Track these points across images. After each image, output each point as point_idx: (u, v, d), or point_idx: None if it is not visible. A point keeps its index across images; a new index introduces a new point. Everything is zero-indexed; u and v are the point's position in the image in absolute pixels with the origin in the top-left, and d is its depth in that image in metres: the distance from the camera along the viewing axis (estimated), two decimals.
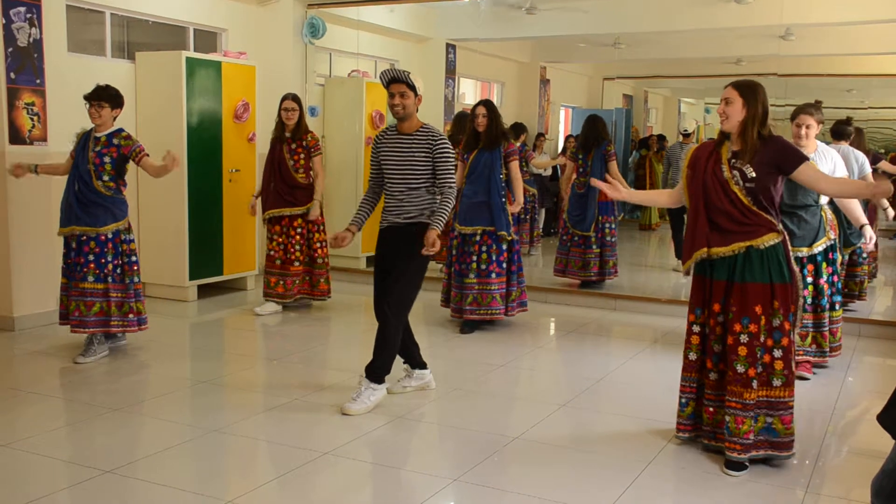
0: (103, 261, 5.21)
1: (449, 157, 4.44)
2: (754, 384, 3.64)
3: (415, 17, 9.56)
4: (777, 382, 3.66)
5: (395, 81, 4.38)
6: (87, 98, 5.16)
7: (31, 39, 5.83)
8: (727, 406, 3.68)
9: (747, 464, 3.68)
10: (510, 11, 9.26)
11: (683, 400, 3.92)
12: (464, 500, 3.39)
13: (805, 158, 3.65)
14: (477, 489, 3.45)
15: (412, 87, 4.39)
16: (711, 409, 3.81)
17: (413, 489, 3.45)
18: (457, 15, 9.81)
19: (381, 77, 4.49)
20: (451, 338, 6.00)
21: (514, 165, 6.12)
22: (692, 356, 3.86)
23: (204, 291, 7.28)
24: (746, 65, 9.70)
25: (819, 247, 4.96)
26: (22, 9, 5.75)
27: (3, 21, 5.65)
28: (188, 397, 4.66)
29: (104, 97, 5.15)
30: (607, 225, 7.64)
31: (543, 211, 10.79)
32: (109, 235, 5.22)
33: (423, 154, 4.43)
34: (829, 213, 5.06)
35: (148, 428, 4.13)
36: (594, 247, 7.60)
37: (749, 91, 3.65)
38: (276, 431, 4.13)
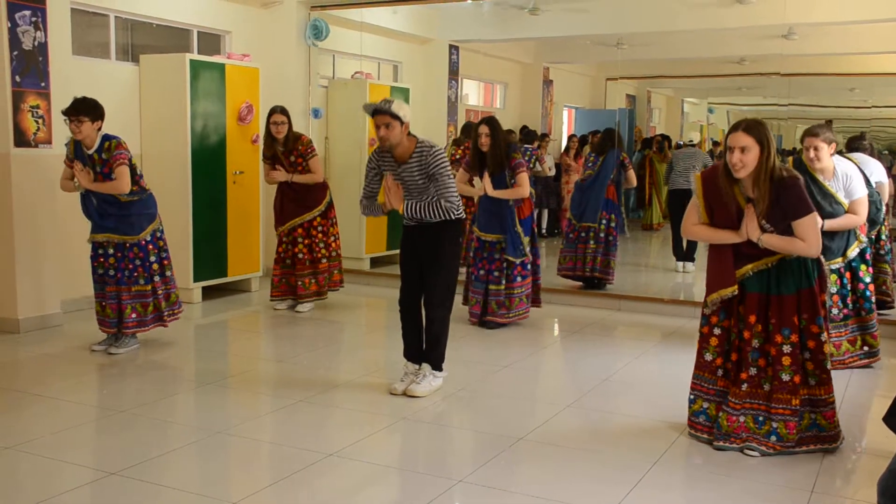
0: (147, 263, 5.31)
1: (445, 173, 4.48)
2: (800, 390, 3.73)
3: (417, 19, 9.57)
4: (812, 381, 3.77)
5: (379, 113, 4.38)
6: (65, 113, 5.04)
7: (36, 43, 5.84)
8: (773, 413, 3.75)
9: None
10: (513, 12, 9.26)
11: (692, 396, 3.95)
12: (469, 500, 3.39)
13: (811, 210, 3.64)
14: (483, 490, 3.45)
15: (396, 117, 4.36)
16: (734, 417, 3.81)
17: (418, 490, 3.45)
18: (459, 16, 9.81)
19: (364, 109, 4.55)
20: (457, 338, 5.99)
21: (522, 177, 6.01)
22: (708, 356, 3.88)
23: (208, 293, 7.29)
24: (749, 64, 9.70)
25: (852, 252, 5.02)
26: (27, 12, 5.77)
27: (9, 25, 5.67)
28: (193, 399, 4.67)
29: (82, 110, 5.02)
30: (605, 221, 7.61)
31: (546, 212, 10.79)
32: (149, 238, 5.30)
33: (423, 177, 4.51)
34: None
35: (153, 430, 4.13)
36: (591, 242, 7.58)
37: (762, 135, 3.59)
38: (281, 433, 4.14)
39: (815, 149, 4.87)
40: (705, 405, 3.92)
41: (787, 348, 3.71)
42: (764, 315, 3.76)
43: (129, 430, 4.08)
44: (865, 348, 5.28)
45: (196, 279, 7.11)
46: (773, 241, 3.66)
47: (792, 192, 3.62)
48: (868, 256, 5.15)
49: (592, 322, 6.80)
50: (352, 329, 6.71)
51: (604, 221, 7.61)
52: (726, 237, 3.74)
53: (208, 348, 6.03)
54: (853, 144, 6.28)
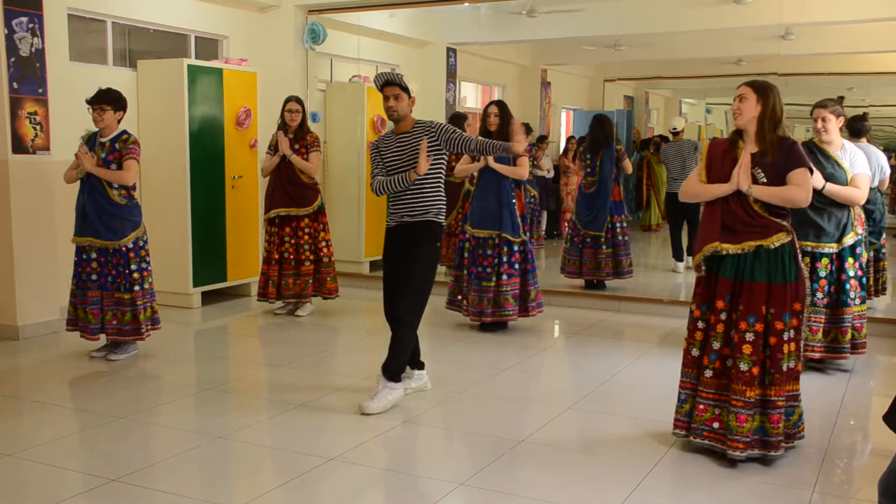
0: (127, 271, 5.27)
1: (456, 130, 4.54)
2: (757, 383, 3.65)
3: (415, 22, 9.58)
4: (766, 380, 3.69)
5: (389, 84, 4.50)
6: (89, 102, 5.18)
7: (33, 49, 5.85)
8: (732, 405, 3.68)
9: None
10: (510, 15, 9.27)
11: (682, 396, 3.90)
12: None
13: (807, 165, 3.67)
14: (484, 493, 3.45)
15: (405, 89, 4.49)
16: (702, 406, 3.78)
17: (419, 494, 3.45)
18: (457, 19, 9.82)
19: (375, 80, 4.59)
20: (456, 341, 5.99)
21: (523, 160, 6.09)
22: (694, 352, 3.86)
23: (208, 298, 7.29)
24: (747, 65, 9.71)
25: (847, 241, 4.99)
26: (24, 19, 5.77)
27: (6, 31, 5.67)
28: (193, 404, 4.67)
29: (105, 100, 5.16)
30: (618, 224, 7.65)
31: (545, 213, 10.79)
32: (131, 245, 5.27)
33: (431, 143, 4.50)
34: (857, 208, 5.06)
35: (153, 435, 4.13)
36: (604, 247, 7.59)
37: (762, 89, 3.70)
38: (282, 437, 4.14)
39: (823, 119, 4.92)
40: (692, 402, 3.86)
41: (749, 336, 3.64)
42: (735, 302, 3.72)
43: (129, 436, 4.07)
44: (833, 343, 5.12)
45: (196, 284, 7.11)
46: (763, 190, 3.64)
47: (793, 147, 3.71)
48: (858, 251, 5.10)
49: (592, 323, 6.80)
50: (351, 333, 6.71)
51: (617, 225, 7.63)
52: (718, 189, 3.75)
53: (208, 353, 6.02)
54: (856, 125, 6.18)
